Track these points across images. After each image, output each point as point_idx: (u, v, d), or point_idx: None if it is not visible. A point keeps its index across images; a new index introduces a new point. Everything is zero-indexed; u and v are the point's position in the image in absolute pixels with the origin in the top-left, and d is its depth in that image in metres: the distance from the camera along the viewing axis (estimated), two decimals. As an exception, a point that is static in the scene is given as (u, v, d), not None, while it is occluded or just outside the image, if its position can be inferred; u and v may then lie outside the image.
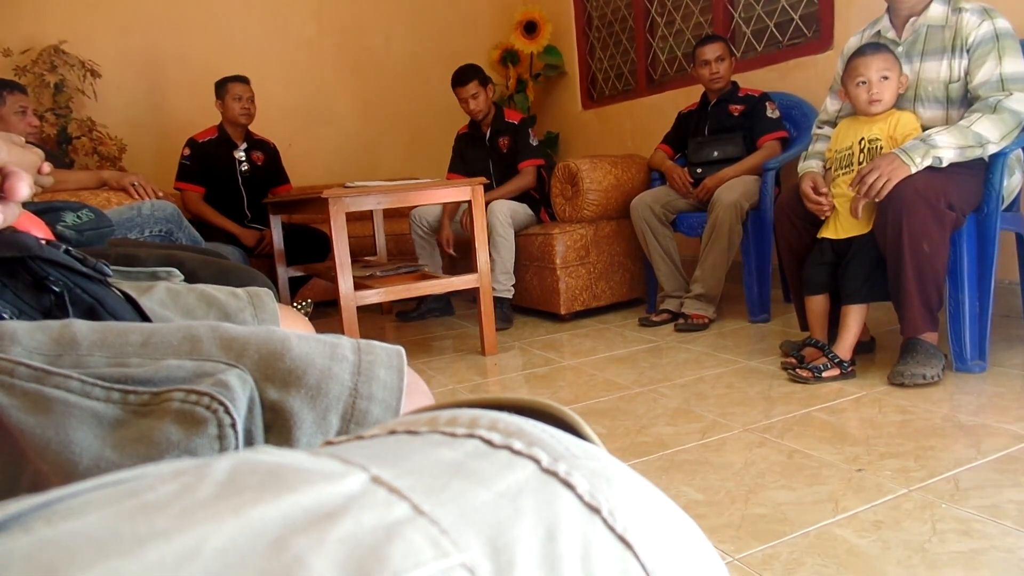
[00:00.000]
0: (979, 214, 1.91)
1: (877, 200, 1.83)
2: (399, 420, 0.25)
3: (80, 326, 0.41)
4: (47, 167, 0.79)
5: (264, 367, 0.40)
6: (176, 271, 0.82)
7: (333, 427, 0.40)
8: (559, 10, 4.63)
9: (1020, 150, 1.97)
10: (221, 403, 0.36)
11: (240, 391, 0.37)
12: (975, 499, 1.24)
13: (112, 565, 0.16)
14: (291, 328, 0.85)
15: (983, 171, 1.91)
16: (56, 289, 0.51)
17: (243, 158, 3.47)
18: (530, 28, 4.57)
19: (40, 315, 0.51)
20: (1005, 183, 1.92)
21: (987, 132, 1.81)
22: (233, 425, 0.36)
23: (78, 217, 1.04)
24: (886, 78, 1.90)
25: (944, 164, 1.81)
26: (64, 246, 0.57)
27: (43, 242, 0.55)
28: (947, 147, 1.81)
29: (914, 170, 1.81)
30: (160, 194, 2.71)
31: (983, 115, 1.83)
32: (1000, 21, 1.89)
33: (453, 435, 0.23)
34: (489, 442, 0.23)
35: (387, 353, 0.44)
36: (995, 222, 1.89)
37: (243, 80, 3.34)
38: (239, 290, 0.82)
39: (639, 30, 4.06)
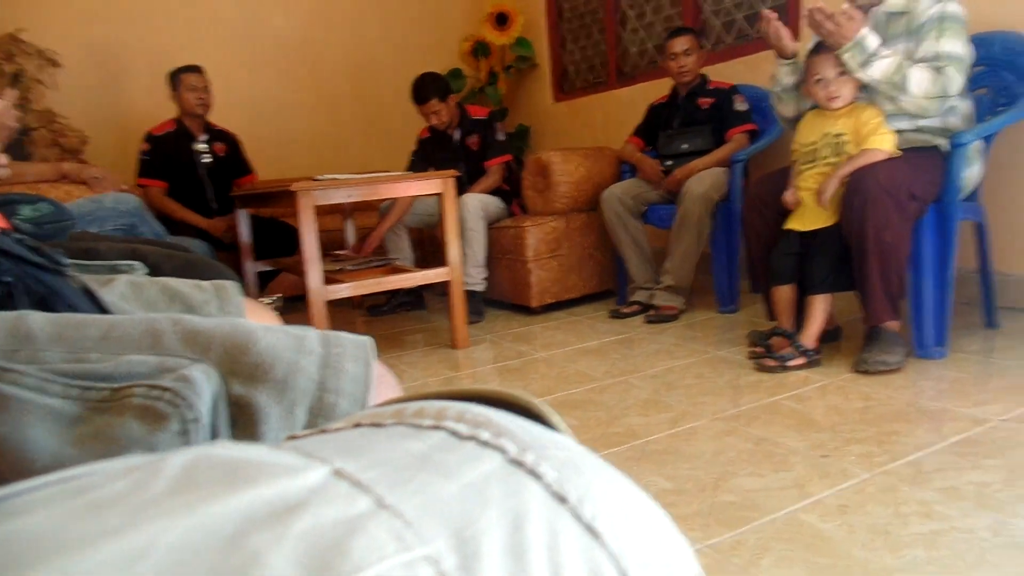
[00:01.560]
0: (939, 204, 1.95)
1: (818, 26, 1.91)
2: (364, 413, 0.24)
3: (36, 319, 0.40)
4: (3, 159, 0.77)
5: (229, 361, 0.39)
6: (138, 264, 0.80)
7: (300, 421, 0.39)
8: (530, 2, 4.62)
9: (980, 141, 2.01)
10: (184, 398, 0.35)
11: (204, 386, 0.36)
12: (936, 482, 1.27)
13: (59, 564, 0.15)
14: (258, 319, 0.84)
15: (943, 161, 1.95)
16: (7, 279, 0.49)
17: (205, 149, 3.41)
18: (501, 20, 4.55)
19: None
20: (965, 173, 1.97)
21: (915, 82, 1.86)
22: (197, 420, 0.35)
23: (35, 210, 1.01)
24: (842, 74, 1.93)
25: (864, 75, 1.88)
26: (18, 235, 0.55)
27: (-3, 235, 0.53)
28: (879, 72, 1.87)
29: (846, 54, 1.88)
30: (124, 187, 2.65)
31: (926, 67, 1.88)
32: (951, 5, 1.92)
33: (419, 427, 0.23)
34: (456, 433, 0.22)
35: (355, 345, 0.43)
36: (955, 212, 1.93)
37: (196, 70, 3.26)
38: (204, 283, 0.80)
39: (609, 22, 4.06)
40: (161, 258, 0.98)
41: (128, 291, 0.73)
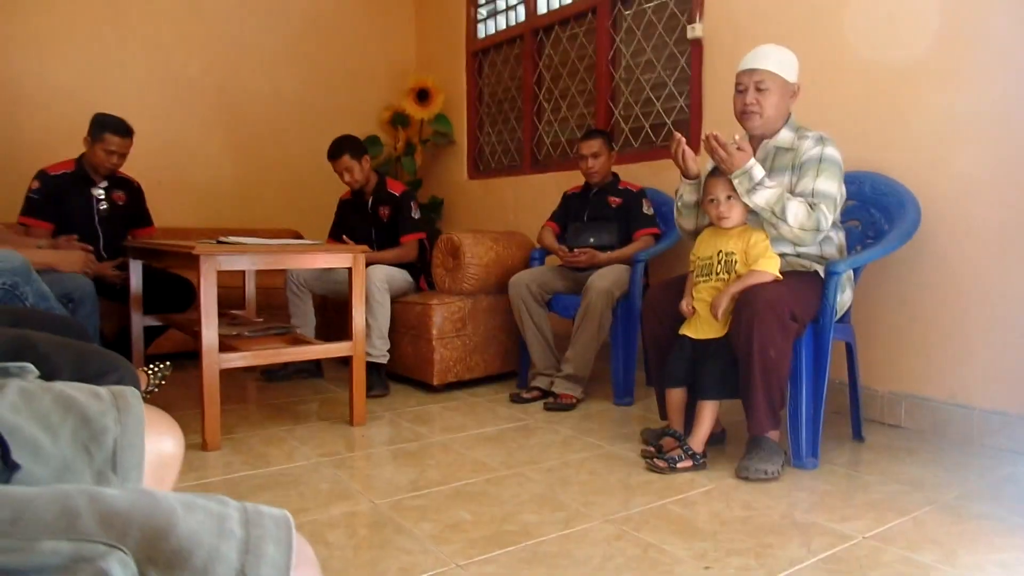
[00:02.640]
0: (816, 325, 2.13)
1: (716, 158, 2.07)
2: None
3: (-60, 496, 0.37)
4: None
5: (148, 547, 0.38)
6: (30, 367, 0.76)
7: None
8: (452, 81, 4.77)
9: (851, 271, 2.22)
10: None
11: None
12: (805, 600, 1.35)
13: None
14: (156, 431, 0.81)
15: (820, 286, 2.14)
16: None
17: (102, 196, 3.25)
18: (422, 96, 4.67)
19: None
20: (839, 298, 2.16)
21: (792, 214, 2.04)
22: (111, 622, 0.34)
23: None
24: (731, 198, 2.10)
25: (749, 200, 2.06)
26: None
27: None
28: (763, 200, 2.05)
29: (735, 179, 2.05)
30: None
31: (803, 202, 2.07)
32: (829, 149, 2.15)
33: None
34: None
35: (276, 524, 0.43)
36: (829, 332, 2.12)
37: (123, 133, 3.11)
38: (101, 390, 0.77)
39: (527, 112, 4.25)
40: (53, 348, 0.93)
41: (20, 401, 0.69)
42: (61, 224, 3.11)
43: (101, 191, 3.25)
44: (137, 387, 1.01)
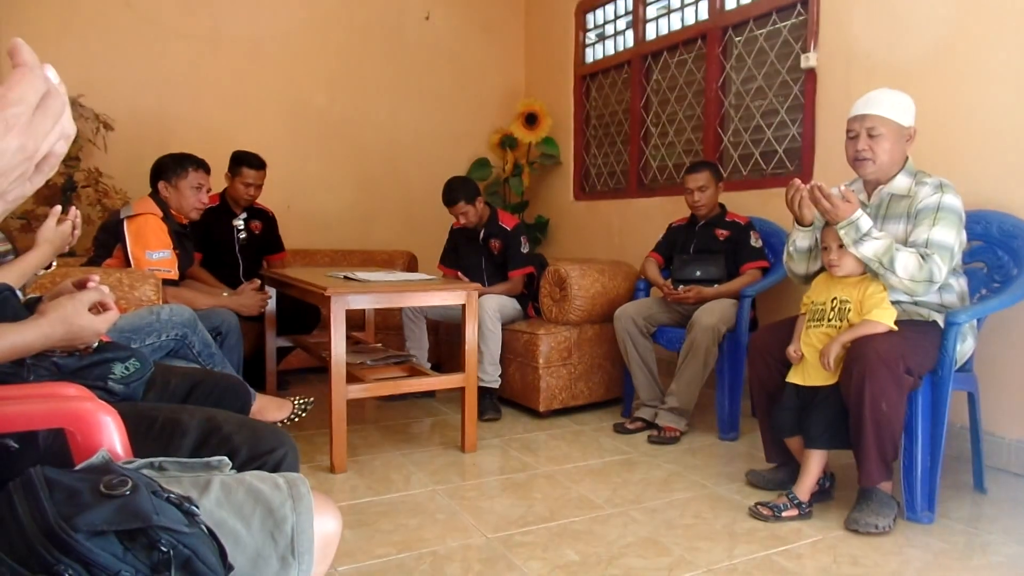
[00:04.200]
0: (934, 376, 2.08)
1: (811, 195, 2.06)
2: None
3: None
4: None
5: None
6: (226, 460, 0.92)
7: None
8: (559, 105, 4.87)
9: (975, 320, 2.15)
10: None
11: None
12: (913, 674, 1.35)
13: None
14: (320, 513, 0.95)
15: (938, 336, 2.08)
16: (165, 550, 0.62)
17: (241, 226, 3.59)
18: (531, 120, 4.80)
19: (148, 569, 0.61)
20: (958, 348, 2.10)
21: (901, 265, 1.99)
22: None
23: (126, 368, 1.15)
24: (842, 247, 2.08)
25: (856, 252, 2.02)
26: (166, 493, 0.68)
27: (154, 492, 0.65)
28: (870, 251, 2.00)
29: (841, 230, 2.02)
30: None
31: (914, 253, 2.01)
32: (948, 196, 2.08)
33: None
34: None
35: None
36: (948, 384, 2.06)
37: (258, 166, 3.46)
38: (280, 480, 0.92)
39: (634, 136, 4.29)
40: (235, 427, 1.11)
41: (222, 495, 0.85)
42: (208, 253, 3.46)
43: (241, 221, 3.59)
44: (297, 459, 1.18)
